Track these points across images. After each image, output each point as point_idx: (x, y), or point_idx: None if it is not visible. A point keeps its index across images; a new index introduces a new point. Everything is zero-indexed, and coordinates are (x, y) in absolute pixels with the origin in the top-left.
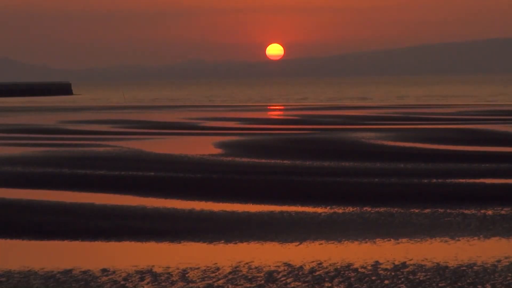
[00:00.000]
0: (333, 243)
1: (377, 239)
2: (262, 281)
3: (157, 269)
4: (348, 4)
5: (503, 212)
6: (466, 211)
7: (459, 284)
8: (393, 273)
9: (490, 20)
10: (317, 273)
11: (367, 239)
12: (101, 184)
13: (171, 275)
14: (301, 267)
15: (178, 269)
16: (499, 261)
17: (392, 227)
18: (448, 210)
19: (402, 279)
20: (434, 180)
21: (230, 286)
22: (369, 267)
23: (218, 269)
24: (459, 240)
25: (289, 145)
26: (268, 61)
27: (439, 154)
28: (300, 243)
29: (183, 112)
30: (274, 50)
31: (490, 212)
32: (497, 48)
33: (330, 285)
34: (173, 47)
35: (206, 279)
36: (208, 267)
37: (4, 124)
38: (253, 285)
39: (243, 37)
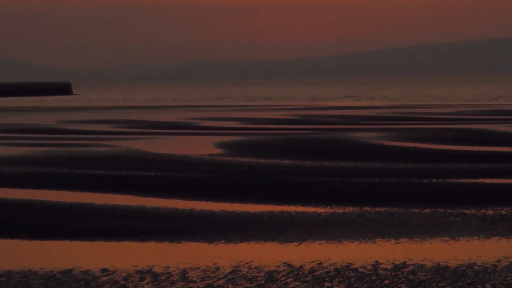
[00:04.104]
0: (333, 243)
1: (377, 239)
2: (262, 281)
3: (157, 269)
4: (348, 3)
5: (503, 212)
6: (466, 211)
7: (459, 284)
8: (393, 273)
9: (490, 20)
10: (317, 273)
11: (367, 239)
12: (101, 184)
13: (171, 275)
14: (301, 267)
15: (178, 269)
16: (499, 261)
17: (392, 227)
18: (448, 210)
19: (402, 279)
20: (434, 180)
21: (230, 286)
22: (369, 267)
23: (218, 269)
24: (459, 240)
25: (289, 145)
26: (267, 62)
27: (439, 154)
28: (300, 243)
29: (183, 112)
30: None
31: (490, 212)
32: (497, 48)
33: (330, 285)
34: (175, 47)
35: (206, 279)
36: (208, 267)
37: (4, 124)
38: (253, 285)
39: (243, 37)
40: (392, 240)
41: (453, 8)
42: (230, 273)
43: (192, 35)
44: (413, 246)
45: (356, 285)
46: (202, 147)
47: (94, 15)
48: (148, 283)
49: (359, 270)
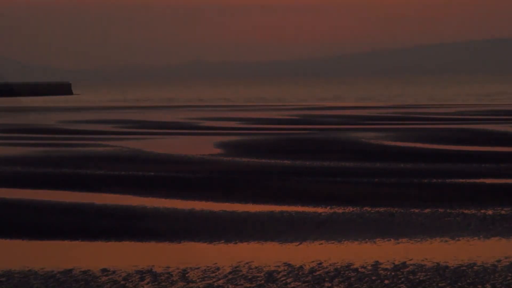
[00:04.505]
0: (333, 243)
1: (377, 239)
2: (262, 281)
3: (157, 269)
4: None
5: (503, 212)
6: (466, 211)
7: (459, 284)
8: (393, 273)
9: (490, 20)
10: (317, 273)
11: (367, 239)
12: (101, 184)
13: (171, 275)
14: (301, 267)
15: (178, 269)
16: (499, 261)
17: (392, 227)
18: (448, 210)
19: (402, 279)
20: (434, 180)
21: (230, 286)
22: (369, 267)
23: (218, 269)
24: (459, 240)
25: (289, 145)
26: (267, 62)
27: (439, 154)
28: (300, 243)
29: (183, 112)
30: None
31: (490, 212)
32: (497, 48)
33: (330, 285)
34: (175, 47)
35: (206, 279)
36: (208, 267)
37: (4, 124)
38: (253, 285)
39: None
40: (392, 240)
41: (453, 8)
42: (230, 273)
43: (193, 35)
44: (413, 246)
45: (356, 285)
46: (202, 147)
47: (95, 15)
48: (148, 283)
49: (359, 270)
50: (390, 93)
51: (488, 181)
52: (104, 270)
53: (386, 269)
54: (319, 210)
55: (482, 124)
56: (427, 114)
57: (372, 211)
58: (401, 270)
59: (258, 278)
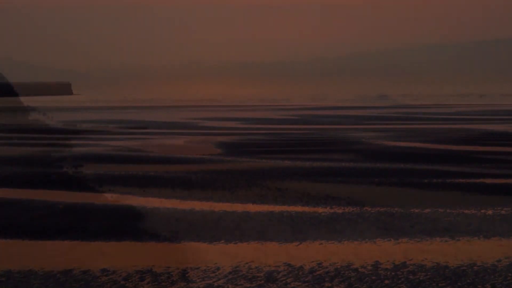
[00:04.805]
0: (333, 243)
1: (377, 239)
2: (262, 281)
3: (157, 269)
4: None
5: (503, 212)
6: (466, 211)
7: (459, 284)
8: (393, 273)
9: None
10: (317, 273)
11: (367, 239)
12: (101, 184)
13: (171, 275)
14: (301, 267)
15: (178, 269)
16: (499, 261)
17: (392, 227)
18: (448, 210)
19: (402, 279)
20: (434, 180)
21: (230, 286)
22: (369, 267)
23: (218, 269)
24: (459, 240)
25: (289, 145)
26: (268, 62)
27: (439, 154)
28: (300, 243)
29: (184, 112)
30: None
31: (490, 212)
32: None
33: (330, 285)
34: (175, 47)
35: (206, 279)
36: (208, 267)
37: (4, 124)
38: (253, 285)
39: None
40: (392, 240)
41: (454, 8)
42: (230, 273)
43: (193, 35)
44: (413, 246)
45: (356, 285)
46: (202, 147)
47: (95, 15)
48: (148, 283)
49: (359, 270)
50: (394, 93)
51: (488, 181)
52: (104, 270)
53: (386, 269)
54: (319, 210)
55: (482, 124)
56: (427, 114)
57: (372, 211)
58: (401, 270)
59: (258, 278)
